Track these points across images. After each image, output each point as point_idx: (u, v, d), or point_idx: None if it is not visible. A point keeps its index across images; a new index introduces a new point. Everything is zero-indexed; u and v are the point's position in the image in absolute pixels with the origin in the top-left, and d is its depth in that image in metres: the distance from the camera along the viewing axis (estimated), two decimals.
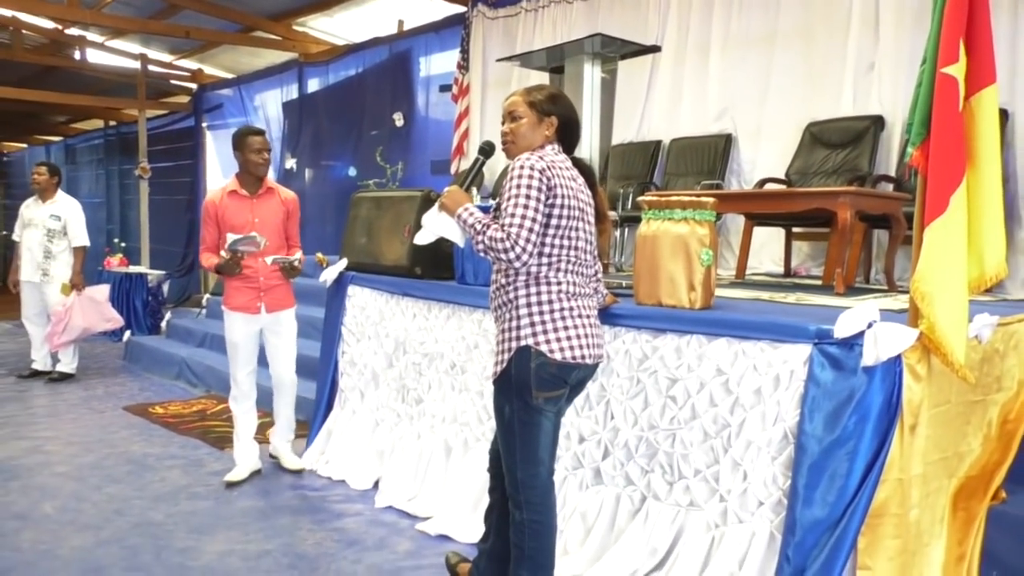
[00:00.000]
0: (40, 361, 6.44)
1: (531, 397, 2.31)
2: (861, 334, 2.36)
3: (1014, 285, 3.89)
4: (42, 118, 14.87)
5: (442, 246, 3.93)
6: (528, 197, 2.24)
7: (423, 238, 2.58)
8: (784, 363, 2.52)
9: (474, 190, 3.71)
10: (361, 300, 4.15)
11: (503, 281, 2.38)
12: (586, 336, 2.36)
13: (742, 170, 5.37)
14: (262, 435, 4.25)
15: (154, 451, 4.44)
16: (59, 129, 15.31)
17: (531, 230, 2.23)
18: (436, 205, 2.47)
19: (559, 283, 2.34)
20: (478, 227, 2.30)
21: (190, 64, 11.21)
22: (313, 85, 9.44)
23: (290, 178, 9.37)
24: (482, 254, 2.31)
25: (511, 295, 2.36)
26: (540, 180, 2.26)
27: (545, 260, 2.33)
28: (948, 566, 2.44)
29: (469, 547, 3.11)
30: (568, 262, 2.36)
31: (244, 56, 10.57)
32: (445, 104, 7.79)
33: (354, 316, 4.18)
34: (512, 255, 2.23)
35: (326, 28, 9.36)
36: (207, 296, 7.70)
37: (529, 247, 2.24)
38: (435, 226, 2.50)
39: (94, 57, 10.71)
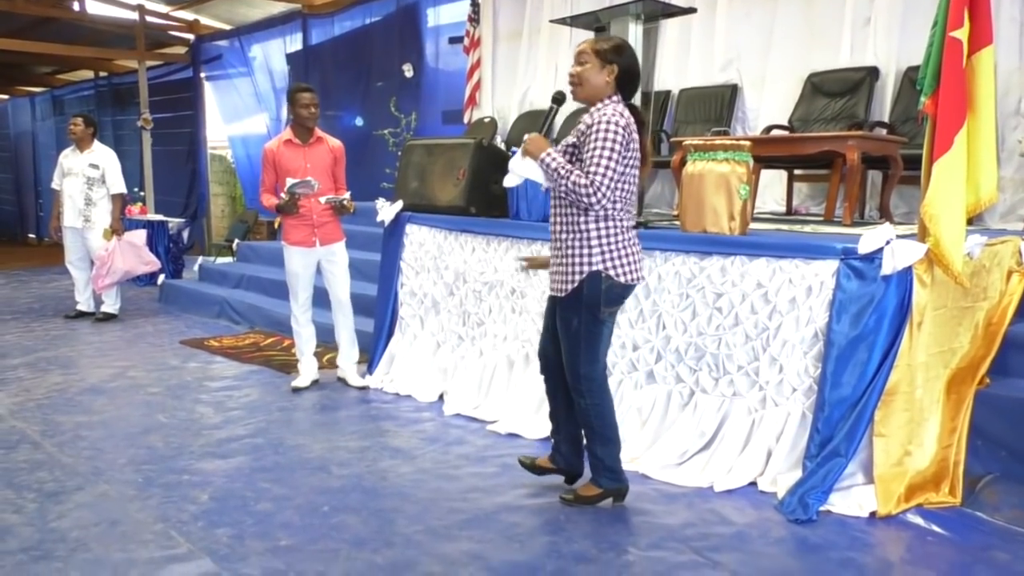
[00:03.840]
0: (84, 303, 6.82)
1: (600, 312, 2.79)
2: (880, 250, 2.93)
3: (992, 217, 4.50)
4: (25, 68, 14.76)
5: (491, 187, 4.47)
6: (613, 150, 2.64)
7: (511, 181, 2.95)
8: (815, 276, 3.09)
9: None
10: (419, 237, 4.63)
11: (574, 216, 2.76)
12: (639, 261, 2.86)
13: (747, 118, 5.88)
14: (327, 363, 4.80)
15: (228, 374, 4.93)
16: (44, 79, 15.22)
17: (612, 179, 2.65)
18: (520, 151, 2.85)
19: (621, 220, 2.78)
20: (562, 171, 2.69)
21: (186, 15, 11.31)
22: (318, 36, 9.67)
23: None
24: (564, 194, 2.71)
25: (582, 227, 2.75)
26: (624, 135, 2.65)
27: (614, 200, 2.73)
28: (943, 436, 3.04)
29: (536, 442, 3.68)
30: (626, 201, 2.78)
31: (241, 7, 10.71)
32: (454, 55, 8.14)
33: (412, 252, 4.66)
34: (593, 200, 2.65)
35: None
36: (237, 241, 8.07)
37: (609, 194, 2.66)
38: (521, 169, 2.85)
39: (92, 8, 10.77)
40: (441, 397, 4.35)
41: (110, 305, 6.75)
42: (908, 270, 2.91)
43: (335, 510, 2.93)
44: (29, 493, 3.02)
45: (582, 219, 2.76)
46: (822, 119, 5.25)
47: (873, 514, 2.84)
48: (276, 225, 8.66)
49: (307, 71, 9.65)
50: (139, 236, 6.90)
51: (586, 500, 2.97)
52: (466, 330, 4.37)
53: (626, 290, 2.84)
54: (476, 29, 7.60)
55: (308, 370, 4.67)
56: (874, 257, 2.94)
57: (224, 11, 10.95)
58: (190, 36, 11.53)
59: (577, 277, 2.77)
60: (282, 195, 4.32)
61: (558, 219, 2.84)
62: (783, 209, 5.43)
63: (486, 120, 7.49)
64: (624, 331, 3.64)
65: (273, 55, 10.45)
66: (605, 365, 2.95)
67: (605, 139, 2.64)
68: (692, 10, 4.17)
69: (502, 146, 5.93)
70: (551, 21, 4.97)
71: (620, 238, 2.78)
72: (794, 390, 3.14)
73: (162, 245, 8.38)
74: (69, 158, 6.62)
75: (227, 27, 11.24)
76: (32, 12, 10.30)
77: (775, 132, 5.25)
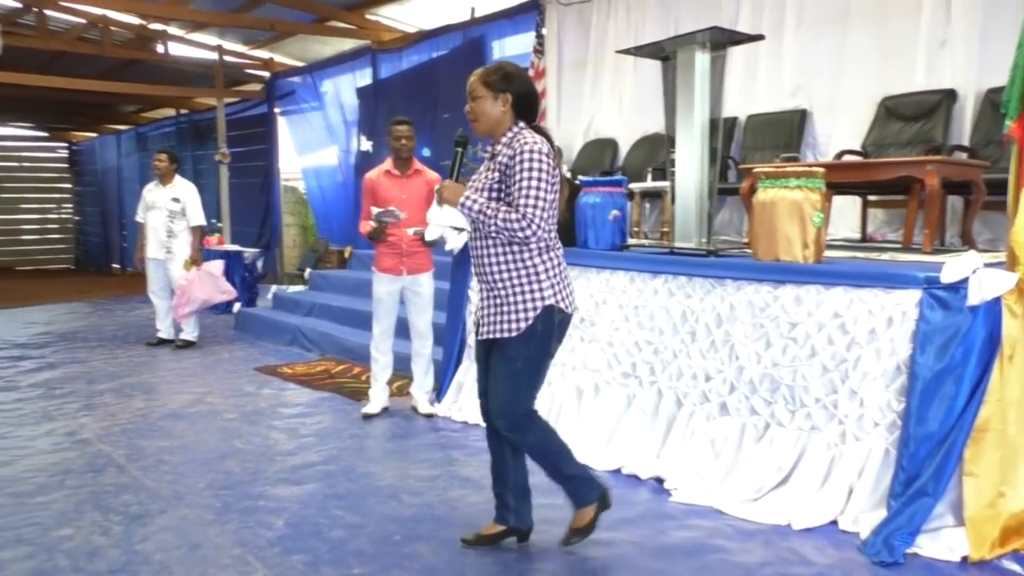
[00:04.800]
0: (165, 331, 7.08)
1: (551, 346, 2.70)
2: (965, 280, 2.82)
3: None
4: (112, 108, 15.57)
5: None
6: (541, 180, 2.53)
7: (432, 233, 2.84)
8: (896, 305, 2.99)
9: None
10: None
11: (515, 252, 2.61)
12: (573, 291, 2.78)
13: (817, 143, 5.77)
14: (396, 390, 4.88)
15: (301, 401, 5.04)
16: (129, 118, 16.00)
17: (544, 210, 2.54)
18: (435, 201, 2.73)
19: (558, 248, 2.72)
20: (487, 212, 2.56)
21: (262, 53, 11.76)
22: (386, 71, 9.91)
23: (366, 160, 9.88)
24: (495, 234, 2.57)
25: (527, 262, 2.62)
26: (549, 164, 2.56)
27: (550, 229, 2.65)
28: None
29: (606, 473, 3.64)
30: (554, 229, 2.69)
31: (313, 44, 11.09)
32: None
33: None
34: (528, 232, 2.52)
35: (397, 16, 9.82)
36: (308, 270, 8.28)
37: (545, 225, 2.56)
38: (440, 219, 2.73)
39: (174, 50, 11.30)
40: None
41: (189, 333, 6.98)
42: (997, 300, 2.79)
43: (407, 539, 2.94)
44: (115, 516, 3.13)
45: (526, 254, 2.63)
46: (897, 143, 5.12)
47: (965, 559, 2.71)
48: (346, 255, 8.88)
49: (376, 104, 9.89)
50: (217, 266, 7.15)
51: (587, 528, 2.82)
52: None
53: (569, 320, 2.76)
54: (541, 60, 7.68)
55: (379, 397, 4.75)
56: (959, 287, 2.83)
57: (297, 49, 11.35)
58: (266, 73, 11.97)
59: (531, 314, 2.62)
60: (371, 223, 4.46)
61: (491, 259, 2.66)
62: (857, 236, 5.29)
63: None
64: (696, 361, 3.59)
65: (344, 89, 10.76)
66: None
67: (531, 168, 2.53)
68: (760, 37, 4.12)
69: (567, 175, 5.96)
70: (617, 52, 4.99)
71: (560, 267, 2.71)
72: (876, 425, 3.03)
73: (238, 275, 8.64)
74: (152, 192, 6.92)
75: (300, 64, 11.63)
76: (120, 55, 10.86)
77: (847, 157, 5.13)
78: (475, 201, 2.60)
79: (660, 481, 3.50)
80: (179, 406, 4.91)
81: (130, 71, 11.90)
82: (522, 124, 2.68)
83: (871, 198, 5.27)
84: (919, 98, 5.13)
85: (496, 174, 2.63)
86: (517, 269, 2.63)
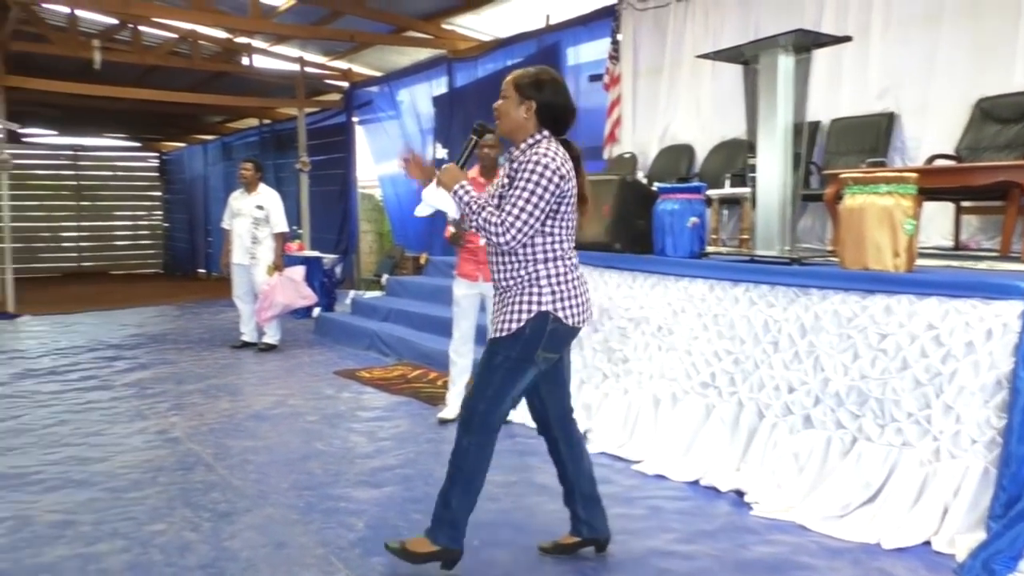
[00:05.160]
0: (248, 334, 7.32)
1: (535, 353, 2.61)
2: None
3: None
4: (200, 118, 16.22)
5: (636, 224, 4.45)
6: (534, 194, 2.50)
7: (422, 211, 2.83)
8: (996, 317, 2.85)
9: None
10: None
11: (519, 258, 2.62)
12: (586, 302, 2.72)
13: (906, 148, 5.55)
14: None
15: (379, 404, 5.13)
16: (215, 128, 16.63)
17: (527, 223, 2.51)
18: (434, 181, 2.70)
19: (568, 259, 2.67)
20: (473, 206, 2.57)
21: (341, 64, 12.06)
22: (461, 79, 10.03)
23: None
24: (474, 229, 2.60)
25: (530, 269, 2.61)
26: (552, 181, 2.51)
27: (556, 240, 2.62)
28: None
29: (684, 485, 3.59)
30: (568, 241, 2.67)
31: (390, 54, 11.32)
32: (594, 92, 8.20)
33: None
34: (502, 239, 2.52)
35: (473, 25, 9.94)
36: (385, 276, 8.43)
37: (520, 236, 2.52)
38: (433, 200, 2.72)
39: (258, 62, 11.70)
40: (585, 434, 4.32)
41: (271, 336, 7.20)
42: None
43: (485, 545, 2.96)
44: (204, 512, 3.24)
45: (528, 261, 2.62)
46: (994, 147, 4.88)
47: None
48: (422, 261, 9.00)
49: (451, 112, 10.01)
50: (298, 272, 7.34)
51: (413, 556, 2.67)
52: (610, 367, 4.33)
53: (572, 333, 2.70)
54: (616, 66, 7.64)
55: (456, 402, 4.78)
56: None
57: (375, 59, 11.60)
58: (344, 84, 12.26)
59: (524, 316, 2.60)
60: (451, 227, 4.56)
61: (499, 263, 2.69)
62: (950, 244, 5.06)
63: (626, 156, 7.48)
64: (778, 372, 3.50)
65: (419, 98, 10.93)
66: (505, 417, 2.75)
67: (529, 180, 2.51)
68: (847, 39, 4.00)
69: (643, 181, 5.90)
70: (697, 56, 4.92)
71: (568, 277, 2.66)
72: (974, 442, 2.90)
73: (317, 280, 8.86)
74: (238, 199, 7.17)
75: (378, 74, 11.88)
76: (208, 68, 11.31)
77: (939, 162, 4.93)
78: (467, 192, 2.60)
79: (740, 494, 3.42)
80: (262, 407, 5.06)
81: (217, 83, 12.39)
82: (546, 134, 2.65)
83: (965, 204, 5.04)
84: (1018, 99, 4.88)
85: (506, 179, 2.63)
86: (519, 274, 2.63)
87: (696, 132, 7.00)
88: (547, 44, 8.76)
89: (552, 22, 8.80)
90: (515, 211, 2.51)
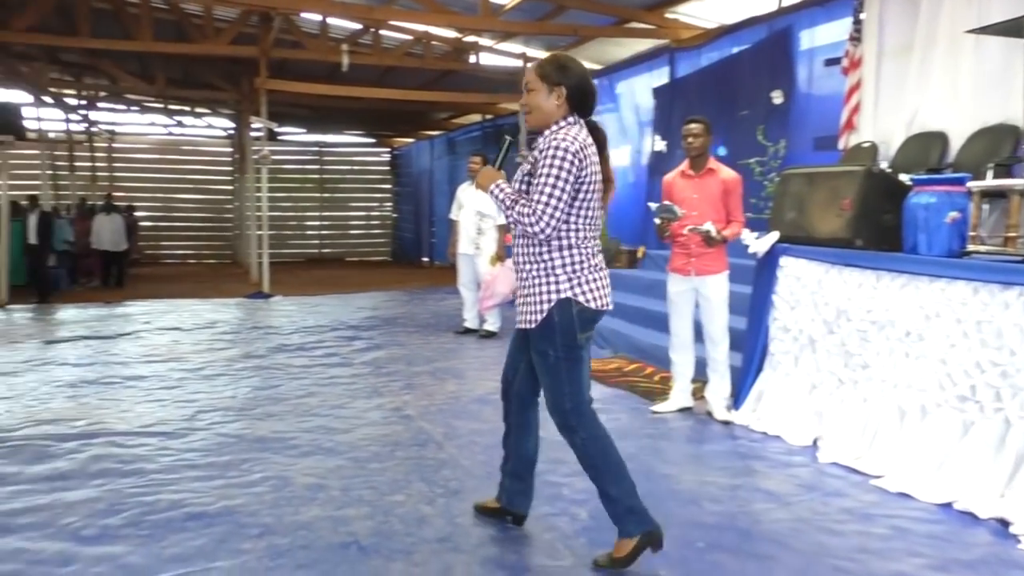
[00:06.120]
0: (471, 321, 7.67)
1: (576, 338, 2.64)
2: None
3: None
4: (427, 115, 17.23)
5: (881, 219, 4.09)
6: (558, 178, 2.53)
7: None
8: None
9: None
10: (795, 270, 4.40)
11: (536, 247, 2.65)
12: (605, 287, 2.73)
13: None
14: (696, 395, 4.80)
15: (595, 396, 5.09)
16: (441, 124, 17.58)
17: (556, 207, 2.54)
18: (473, 184, 2.70)
19: (587, 246, 2.67)
20: (507, 202, 2.65)
21: None
22: (683, 69, 9.79)
23: (660, 160, 9.86)
24: (513, 225, 2.65)
25: (545, 258, 2.65)
26: (572, 163, 2.53)
27: (574, 227, 2.63)
28: None
29: (933, 506, 3.26)
30: (588, 228, 2.66)
31: (611, 47, 11.31)
32: (828, 78, 7.67)
33: (787, 285, 4.45)
34: (536, 228, 2.56)
35: (697, 13, 9.67)
36: None
37: (553, 222, 2.55)
38: (475, 203, 2.89)
39: (484, 59, 12.18)
40: (815, 442, 4.07)
41: (492, 324, 7.48)
42: None
43: (710, 547, 2.87)
44: (438, 488, 3.43)
45: (544, 249, 2.66)
46: None
47: None
48: (639, 255, 8.93)
49: (672, 104, 9.82)
50: None
51: (624, 560, 2.64)
52: (847, 372, 4.03)
53: (597, 316, 2.72)
54: (857, 48, 7.07)
55: (676, 397, 4.75)
56: None
57: (595, 52, 11.64)
58: None
59: (546, 306, 2.64)
60: (655, 220, 4.52)
61: (520, 251, 2.75)
62: None
63: (864, 146, 6.91)
64: None
65: (639, 90, 10.83)
66: (590, 398, 2.77)
67: (551, 166, 2.55)
68: None
69: (887, 171, 5.43)
70: (968, 32, 4.42)
71: (587, 264, 2.67)
72: None
73: None
74: (465, 192, 7.50)
75: (598, 67, 11.92)
76: (438, 67, 11.96)
77: None
78: (502, 190, 2.70)
79: (1004, 524, 3.05)
80: (485, 392, 5.26)
81: (444, 81, 13.07)
82: (574, 118, 2.68)
83: None
84: None
85: (527, 166, 2.69)
86: (536, 263, 2.68)
87: (951, 118, 6.30)
88: (778, 28, 8.31)
89: (784, 4, 8.34)
90: (543, 199, 2.56)
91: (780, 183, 4.75)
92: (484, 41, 11.87)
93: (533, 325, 2.70)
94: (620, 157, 11.42)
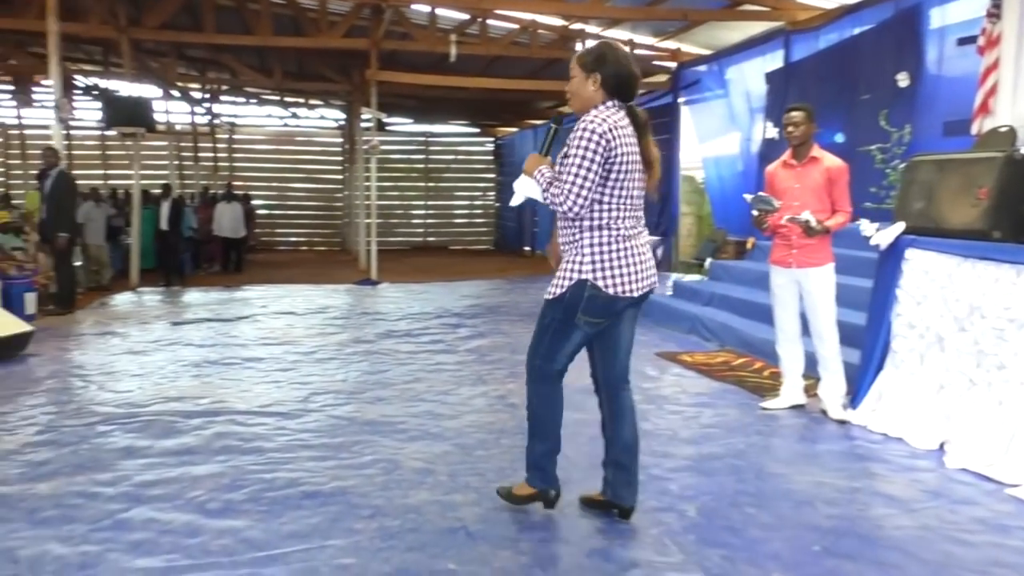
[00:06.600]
0: None
1: (575, 315, 2.77)
2: None
3: None
4: (531, 104, 17.23)
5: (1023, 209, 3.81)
6: (584, 158, 2.64)
7: (514, 201, 3.02)
8: None
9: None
10: (923, 264, 4.15)
11: (570, 226, 2.78)
12: (635, 273, 2.77)
13: None
14: (808, 392, 4.62)
15: (702, 390, 5.04)
16: (544, 113, 17.55)
17: (583, 187, 2.65)
18: (523, 171, 2.89)
19: (617, 228, 2.74)
20: (544, 184, 2.77)
21: (670, 44, 11.98)
22: (799, 52, 9.38)
23: (771, 148, 9.51)
24: (550, 206, 2.74)
25: (577, 237, 2.77)
26: (598, 143, 2.63)
27: (605, 208, 2.72)
28: None
29: None
30: (623, 209, 2.74)
31: (722, 31, 10.97)
32: (961, 58, 7.18)
33: (913, 279, 4.20)
34: (565, 207, 2.68)
35: None
36: (709, 260, 8.29)
37: (581, 200, 2.66)
38: (523, 188, 2.90)
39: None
40: (942, 446, 3.84)
41: None
42: None
43: (828, 552, 2.75)
44: None
45: (576, 229, 2.78)
46: None
47: None
48: (749, 245, 8.67)
49: (786, 88, 9.43)
50: None
51: (516, 499, 3.02)
52: (980, 372, 3.77)
53: (613, 302, 2.77)
54: (996, 25, 6.57)
55: (787, 394, 4.59)
56: None
57: (705, 37, 11.34)
58: (672, 64, 12.18)
59: (566, 283, 2.78)
60: (752, 212, 4.42)
61: (561, 232, 2.86)
62: None
63: (1002, 130, 6.43)
64: None
65: (750, 75, 10.46)
66: (563, 370, 2.91)
67: (577, 147, 2.66)
68: None
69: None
70: None
71: (614, 247, 2.74)
72: None
73: None
74: None
75: (707, 52, 11.61)
76: (543, 56, 11.93)
77: None
78: (543, 174, 2.80)
79: None
80: (588, 383, 5.16)
81: (549, 70, 13.02)
82: (612, 103, 2.76)
83: None
84: None
85: (564, 147, 2.77)
86: (570, 243, 2.80)
87: None
88: (905, 6, 7.84)
89: None
90: (569, 178, 2.67)
91: (906, 171, 4.49)
92: (591, 28, 11.75)
93: (549, 296, 2.86)
94: (728, 145, 11.10)
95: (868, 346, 4.44)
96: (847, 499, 3.25)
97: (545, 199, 2.78)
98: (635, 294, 2.80)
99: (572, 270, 2.78)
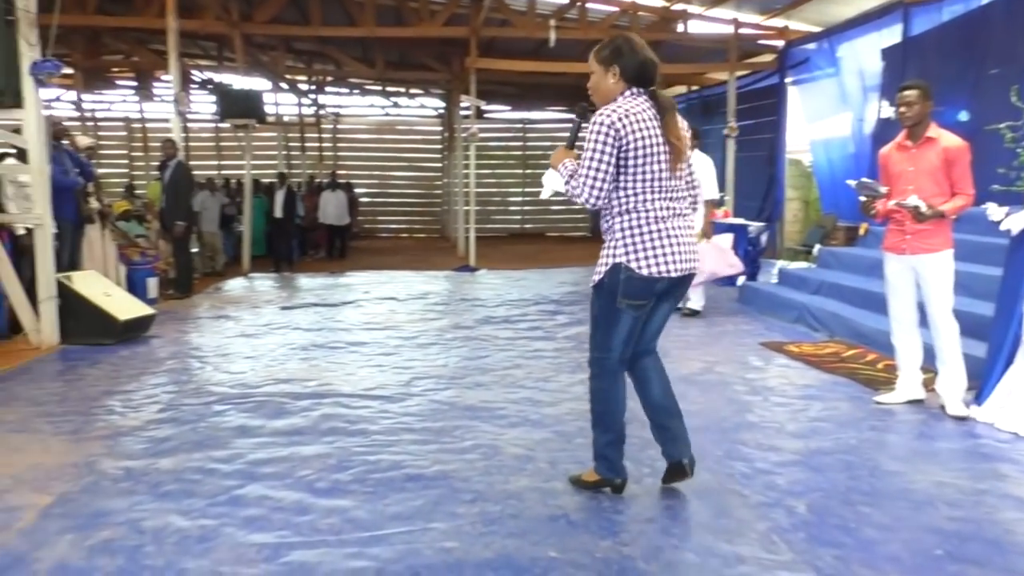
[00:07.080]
0: None
1: (617, 300, 2.83)
2: None
3: None
4: None
5: None
6: (595, 151, 2.73)
7: (543, 194, 3.09)
8: None
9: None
10: None
11: (605, 214, 2.87)
12: (672, 254, 2.80)
13: None
14: (926, 386, 4.38)
15: (810, 382, 4.85)
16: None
17: (596, 178, 2.74)
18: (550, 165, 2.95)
19: (648, 211, 2.79)
20: (564, 177, 2.86)
21: (777, 22, 11.53)
22: (920, 26, 8.86)
23: (886, 128, 9.02)
24: (572, 198, 2.83)
25: (611, 222, 2.87)
26: (607, 134, 2.70)
27: (631, 192, 2.78)
28: None
29: None
30: (650, 192, 2.78)
31: (833, 6, 10.47)
32: None
33: None
34: (582, 199, 2.79)
35: None
36: (817, 247, 7.97)
37: (596, 192, 2.76)
38: (550, 182, 2.98)
39: (692, 28, 11.75)
40: None
41: (696, 302, 7.26)
42: None
43: (951, 557, 2.59)
44: (645, 468, 3.36)
45: (607, 215, 2.87)
46: None
47: None
48: (861, 232, 8.27)
49: (904, 65, 8.93)
50: (726, 240, 7.27)
51: (585, 484, 3.09)
52: None
53: (649, 283, 2.81)
54: None
55: (904, 388, 4.36)
56: None
57: (815, 13, 10.85)
58: (779, 43, 11.74)
59: (603, 269, 2.86)
60: (859, 198, 4.29)
61: (601, 220, 2.95)
62: None
63: None
64: None
65: (864, 52, 9.97)
66: (622, 359, 2.94)
67: (589, 140, 2.75)
68: None
69: None
70: None
71: (644, 230, 2.79)
72: None
73: (742, 248, 8.67)
74: None
75: (816, 29, 11.12)
76: (645, 38, 11.62)
77: None
78: (565, 167, 2.88)
79: None
80: (690, 372, 5.12)
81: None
82: (632, 91, 2.81)
83: None
84: None
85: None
86: (607, 230, 2.90)
87: None
88: None
89: None
90: (583, 171, 2.77)
91: None
92: (693, 8, 11.45)
93: (591, 285, 2.95)
94: (839, 126, 10.62)
95: (996, 339, 4.15)
96: (972, 501, 3.05)
97: (567, 193, 2.88)
98: (672, 275, 2.84)
99: (608, 255, 2.87)
